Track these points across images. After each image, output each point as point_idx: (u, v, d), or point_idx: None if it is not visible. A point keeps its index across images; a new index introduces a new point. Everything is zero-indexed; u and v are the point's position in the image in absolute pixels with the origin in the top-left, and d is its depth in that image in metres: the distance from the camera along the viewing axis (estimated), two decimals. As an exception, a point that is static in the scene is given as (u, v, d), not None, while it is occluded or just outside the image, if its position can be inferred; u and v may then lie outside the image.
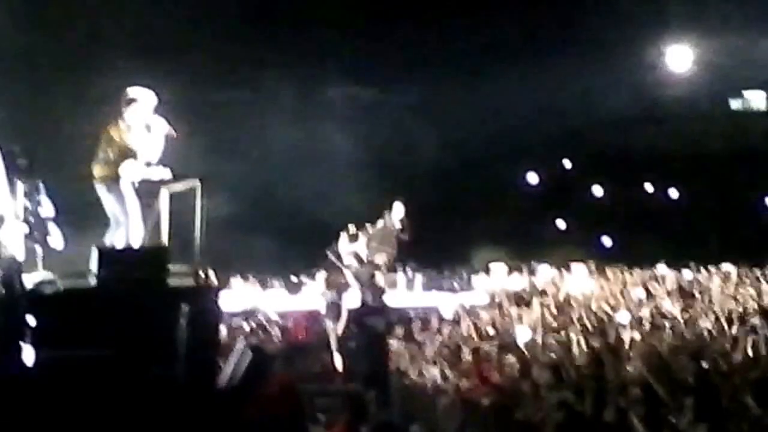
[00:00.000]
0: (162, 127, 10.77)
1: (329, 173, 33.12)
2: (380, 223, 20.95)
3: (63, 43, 26.67)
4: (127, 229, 10.40)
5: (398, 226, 20.73)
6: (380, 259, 20.63)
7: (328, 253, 21.02)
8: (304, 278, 23.15)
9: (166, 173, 10.63)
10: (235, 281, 22.99)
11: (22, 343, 8.51)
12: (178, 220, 10.49)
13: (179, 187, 10.45)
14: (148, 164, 10.61)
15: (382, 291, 17.62)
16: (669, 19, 37.61)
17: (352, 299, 18.58)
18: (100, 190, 10.57)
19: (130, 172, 10.47)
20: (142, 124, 10.66)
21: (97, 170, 10.53)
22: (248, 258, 25.72)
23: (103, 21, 27.84)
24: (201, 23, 29.65)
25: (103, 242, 10.30)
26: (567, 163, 41.91)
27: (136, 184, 10.55)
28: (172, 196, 10.66)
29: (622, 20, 36.05)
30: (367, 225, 21.10)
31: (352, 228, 21.12)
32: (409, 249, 21.42)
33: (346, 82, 35.60)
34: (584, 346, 13.67)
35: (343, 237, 21.12)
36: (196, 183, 9.98)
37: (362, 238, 20.93)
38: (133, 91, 10.69)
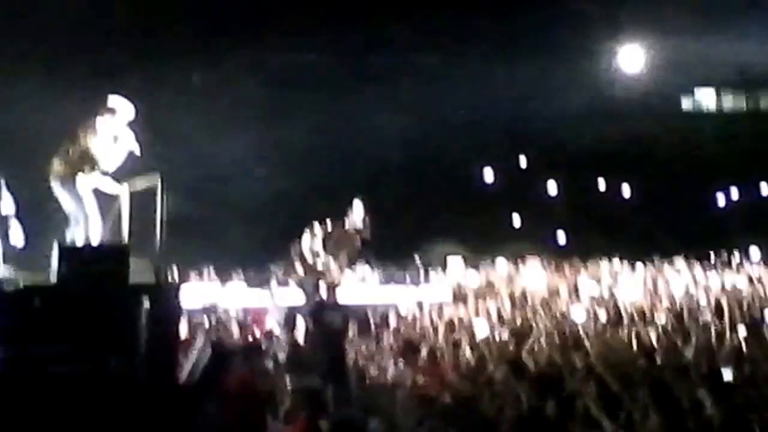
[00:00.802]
0: (129, 141, 10.81)
1: (287, 169, 33.15)
2: (341, 221, 21.00)
3: (24, 39, 26.51)
4: (85, 226, 10.42)
5: (359, 224, 20.79)
6: (341, 256, 20.71)
7: (292, 250, 21.07)
8: (269, 274, 23.15)
9: (119, 189, 10.66)
10: (196, 277, 22.95)
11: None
12: (138, 217, 10.53)
13: (139, 184, 10.48)
14: (105, 173, 10.65)
15: (337, 287, 17.70)
16: (621, 19, 37.95)
17: (302, 297, 18.69)
18: (56, 186, 10.59)
19: (86, 177, 10.50)
20: (112, 133, 10.70)
21: (56, 166, 10.55)
22: (208, 254, 25.67)
23: (66, 16, 27.68)
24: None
25: (64, 239, 10.31)
26: (522, 160, 42.09)
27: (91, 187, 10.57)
28: (132, 194, 10.70)
29: (576, 21, 36.30)
30: (328, 222, 21.14)
31: (316, 226, 21.17)
32: (366, 245, 21.49)
33: (304, 78, 35.58)
34: (541, 341, 13.84)
35: (306, 234, 21.17)
36: (157, 180, 10.02)
37: (319, 236, 20.98)
38: (113, 100, 10.73)
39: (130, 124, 10.89)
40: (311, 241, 21.03)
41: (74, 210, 10.47)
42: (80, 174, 10.43)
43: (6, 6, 25.57)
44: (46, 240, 9.78)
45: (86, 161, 10.46)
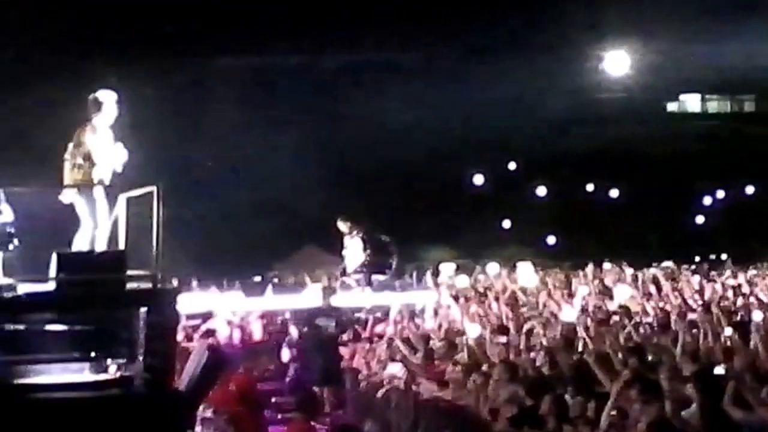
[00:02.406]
0: (119, 135, 10.89)
1: (282, 177, 33.26)
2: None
3: (23, 50, 26.60)
4: (95, 232, 10.51)
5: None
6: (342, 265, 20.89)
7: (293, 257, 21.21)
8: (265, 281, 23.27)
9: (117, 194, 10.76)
10: (192, 284, 23.05)
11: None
12: (135, 224, 10.62)
13: (136, 192, 10.56)
14: (113, 170, 10.75)
15: (332, 291, 17.86)
16: (607, 25, 38.23)
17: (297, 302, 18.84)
18: (72, 194, 10.66)
19: (101, 177, 10.60)
20: (106, 129, 10.79)
21: (70, 175, 10.63)
22: (206, 261, 25.80)
23: (63, 28, 27.79)
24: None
25: (66, 246, 10.39)
26: (512, 165, 42.28)
27: (105, 189, 10.66)
28: (129, 201, 10.79)
29: (563, 27, 36.57)
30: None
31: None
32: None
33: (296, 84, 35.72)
34: (533, 342, 13.98)
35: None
36: (154, 188, 10.09)
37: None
38: (100, 95, 10.82)
39: (121, 119, 10.98)
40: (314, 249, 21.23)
41: (88, 215, 10.56)
42: (95, 176, 10.53)
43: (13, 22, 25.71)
44: (45, 249, 9.87)
45: (98, 161, 10.56)
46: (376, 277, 21.16)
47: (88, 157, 10.57)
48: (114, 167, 10.74)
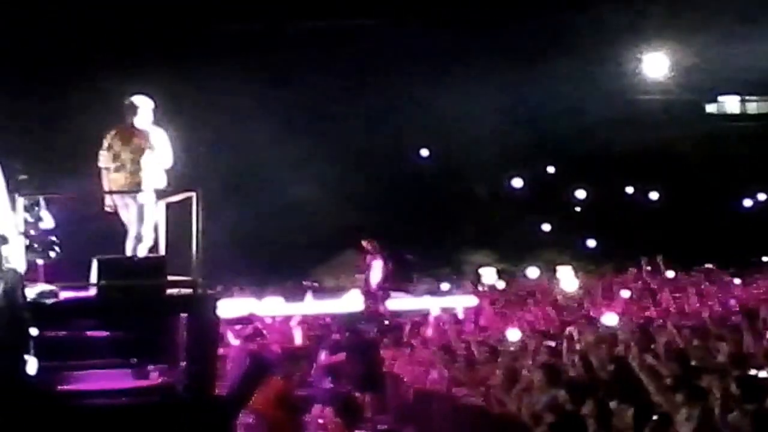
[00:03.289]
0: (162, 136, 10.88)
1: (322, 182, 33.30)
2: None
3: (63, 57, 26.77)
4: (138, 238, 10.53)
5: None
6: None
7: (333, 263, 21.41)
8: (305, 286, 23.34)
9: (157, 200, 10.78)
10: (233, 290, 23.12)
11: (25, 355, 8.62)
12: (175, 230, 10.64)
13: (176, 197, 10.58)
14: (160, 172, 10.76)
15: (374, 297, 17.87)
16: (645, 26, 38.04)
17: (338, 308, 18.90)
18: (125, 199, 10.70)
19: (155, 180, 10.64)
20: (152, 132, 10.80)
21: (123, 181, 10.65)
22: (246, 266, 25.85)
23: (102, 32, 27.95)
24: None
25: (105, 252, 10.39)
26: (550, 168, 42.14)
27: (154, 192, 10.68)
28: (169, 207, 10.81)
29: (601, 28, 36.42)
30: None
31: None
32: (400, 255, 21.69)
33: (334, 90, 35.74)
34: (575, 347, 13.88)
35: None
36: (193, 194, 10.09)
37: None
38: (135, 99, 10.83)
39: (158, 122, 10.99)
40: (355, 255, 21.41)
41: (136, 220, 10.59)
42: (145, 179, 10.55)
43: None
44: (85, 255, 9.91)
45: (146, 164, 10.59)
46: (396, 295, 21.39)
47: (137, 162, 10.59)
48: (156, 171, 10.75)
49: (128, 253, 10.55)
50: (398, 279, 21.14)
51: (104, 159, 10.76)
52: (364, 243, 21.26)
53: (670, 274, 25.22)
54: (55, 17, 26.68)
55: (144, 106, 10.84)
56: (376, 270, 20.70)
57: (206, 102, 31.52)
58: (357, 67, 35.65)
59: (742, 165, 40.48)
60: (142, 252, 10.55)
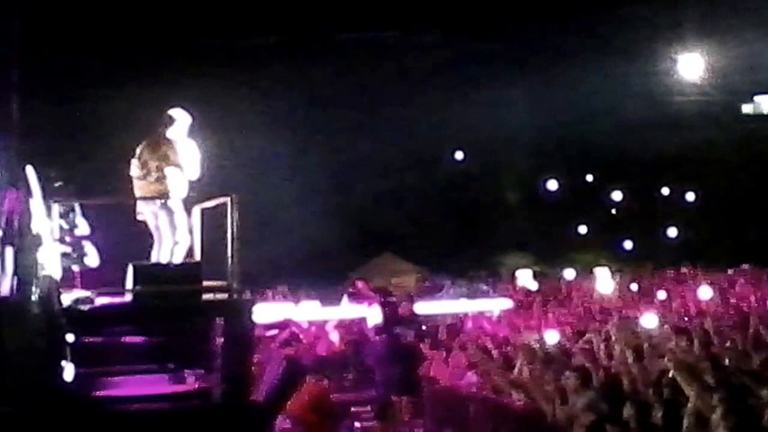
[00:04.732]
0: (194, 149, 10.96)
1: (359, 185, 33.35)
2: None
3: (102, 67, 26.96)
4: (175, 245, 10.58)
5: None
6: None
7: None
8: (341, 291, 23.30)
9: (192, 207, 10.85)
10: (269, 295, 23.17)
11: (62, 361, 8.67)
12: (210, 236, 10.69)
13: (211, 203, 10.63)
14: (184, 182, 10.81)
15: (411, 299, 17.83)
16: (680, 27, 37.87)
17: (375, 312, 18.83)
18: (151, 207, 10.76)
19: (179, 189, 10.69)
20: (181, 143, 10.87)
21: (148, 188, 10.71)
22: (281, 270, 25.90)
23: (142, 43, 28.15)
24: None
25: (141, 259, 10.46)
26: (586, 170, 42.04)
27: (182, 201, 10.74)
28: (204, 213, 10.86)
29: (636, 30, 36.33)
30: None
31: None
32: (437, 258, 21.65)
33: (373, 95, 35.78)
34: (611, 349, 13.80)
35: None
36: (228, 199, 10.14)
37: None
38: (173, 112, 10.93)
39: (192, 136, 11.06)
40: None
41: (167, 227, 10.64)
42: (173, 188, 10.62)
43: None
44: (121, 261, 9.97)
45: (175, 173, 10.65)
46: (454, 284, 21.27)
47: (166, 170, 10.64)
48: (189, 179, 10.81)
49: (154, 260, 10.60)
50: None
51: (134, 168, 10.86)
52: (359, 284, 21.14)
53: (707, 274, 25.06)
54: (97, 30, 26.90)
55: (181, 119, 10.94)
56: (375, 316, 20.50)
57: (243, 111, 31.67)
58: (393, 72, 35.71)
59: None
60: (178, 258, 10.59)
